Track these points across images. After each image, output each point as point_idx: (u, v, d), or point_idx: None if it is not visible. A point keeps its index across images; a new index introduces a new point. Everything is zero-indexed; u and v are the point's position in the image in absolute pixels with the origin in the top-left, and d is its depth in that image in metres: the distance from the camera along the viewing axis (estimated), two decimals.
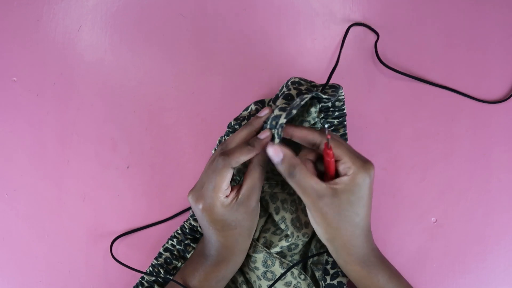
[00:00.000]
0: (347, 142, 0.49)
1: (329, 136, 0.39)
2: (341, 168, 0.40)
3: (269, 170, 0.48)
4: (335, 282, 0.46)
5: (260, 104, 0.49)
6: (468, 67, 0.52)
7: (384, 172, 0.51)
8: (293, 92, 0.44)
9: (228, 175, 0.40)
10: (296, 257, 0.48)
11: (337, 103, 0.47)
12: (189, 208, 0.51)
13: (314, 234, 0.48)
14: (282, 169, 0.40)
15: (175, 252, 0.48)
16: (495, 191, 0.52)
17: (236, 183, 0.47)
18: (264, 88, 0.52)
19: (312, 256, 0.46)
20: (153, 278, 0.48)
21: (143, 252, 0.51)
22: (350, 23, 0.51)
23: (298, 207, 0.46)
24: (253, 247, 0.45)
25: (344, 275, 0.46)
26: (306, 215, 0.45)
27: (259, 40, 0.52)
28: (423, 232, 0.51)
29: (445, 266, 0.52)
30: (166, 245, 0.49)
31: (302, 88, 0.45)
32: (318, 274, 0.47)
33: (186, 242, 0.48)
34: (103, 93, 0.52)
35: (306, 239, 0.46)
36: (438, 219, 0.52)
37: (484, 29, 0.52)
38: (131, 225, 0.52)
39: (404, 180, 0.52)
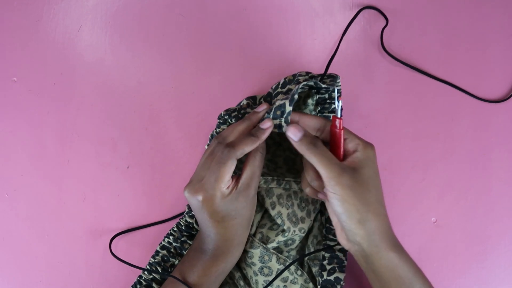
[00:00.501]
0: None
1: (336, 118, 0.40)
2: (350, 146, 0.41)
3: (264, 165, 0.48)
4: (332, 277, 0.46)
5: (252, 99, 0.49)
6: (468, 66, 0.53)
7: (384, 172, 0.52)
8: (293, 86, 0.45)
9: (233, 166, 0.41)
10: (293, 253, 0.49)
11: (333, 94, 0.47)
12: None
13: (311, 229, 0.48)
14: (303, 144, 0.40)
15: (172, 250, 0.49)
16: (495, 191, 0.52)
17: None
18: (264, 88, 0.52)
19: (310, 253, 0.47)
20: (151, 276, 0.48)
21: (143, 252, 0.52)
22: (350, 22, 0.51)
23: (294, 202, 0.46)
24: (249, 242, 0.46)
25: (341, 271, 0.46)
26: (302, 210, 0.46)
27: (259, 40, 0.52)
28: (423, 232, 0.52)
29: (445, 266, 0.52)
30: (163, 242, 0.49)
31: (301, 79, 0.45)
32: (315, 269, 0.47)
33: (182, 239, 0.49)
34: (103, 93, 0.52)
35: (303, 234, 0.47)
36: (438, 219, 0.52)
37: (485, 29, 0.53)
38: (131, 225, 0.52)
39: (404, 180, 0.52)
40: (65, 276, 0.52)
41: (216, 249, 0.43)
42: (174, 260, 0.49)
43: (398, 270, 0.40)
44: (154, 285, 0.49)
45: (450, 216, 0.52)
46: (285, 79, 0.48)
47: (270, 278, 0.47)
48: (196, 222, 0.49)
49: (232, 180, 0.41)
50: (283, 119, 0.42)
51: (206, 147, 0.50)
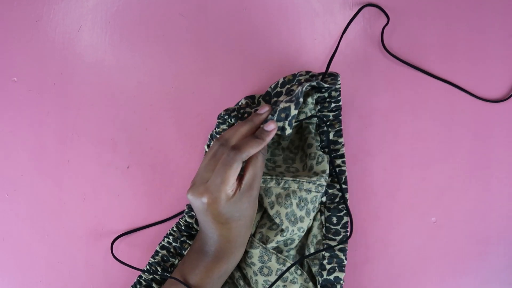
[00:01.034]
0: (342, 138, 0.49)
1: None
2: None
3: None
4: (331, 277, 0.47)
5: (250, 99, 0.50)
6: (469, 66, 0.53)
7: (384, 172, 0.52)
8: (294, 87, 0.45)
9: (238, 168, 0.41)
10: (293, 252, 0.49)
11: (333, 93, 0.48)
12: None
13: (310, 229, 0.49)
14: None
15: (171, 250, 0.49)
16: (495, 191, 0.53)
17: None
18: (264, 88, 0.52)
19: (310, 255, 0.47)
20: (151, 276, 0.48)
21: (143, 252, 0.52)
22: (351, 20, 0.51)
23: (292, 201, 0.46)
24: (249, 242, 0.47)
25: (341, 270, 0.47)
26: (301, 209, 0.46)
27: (259, 40, 0.52)
28: (423, 232, 0.52)
29: (445, 266, 0.52)
30: (163, 242, 0.50)
31: (301, 78, 0.46)
32: (314, 269, 0.48)
33: (182, 239, 0.49)
34: (103, 93, 0.53)
35: (302, 234, 0.47)
36: (438, 219, 0.52)
37: (485, 29, 0.53)
38: (131, 225, 0.52)
39: (404, 180, 0.52)
40: (65, 276, 0.53)
41: (218, 251, 0.44)
42: (174, 260, 0.49)
43: None
44: (154, 285, 0.49)
45: (450, 216, 0.52)
46: (284, 78, 0.48)
47: (270, 278, 0.47)
48: (196, 222, 0.49)
49: (235, 182, 0.42)
50: (287, 122, 0.42)
51: (206, 147, 0.51)
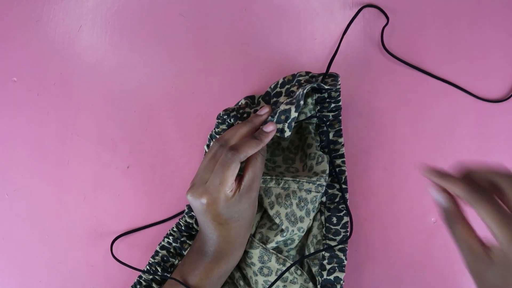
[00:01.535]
0: (342, 138, 0.50)
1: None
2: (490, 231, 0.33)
3: None
4: (331, 277, 0.47)
5: (250, 99, 0.51)
6: (469, 65, 0.53)
7: (384, 172, 0.52)
8: (294, 88, 0.45)
9: (237, 169, 0.42)
10: (293, 252, 0.49)
11: (333, 94, 0.48)
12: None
13: (310, 229, 0.49)
14: (442, 211, 0.37)
15: (171, 250, 0.49)
16: None
17: None
18: (264, 88, 0.53)
19: (310, 255, 0.47)
20: (151, 276, 0.48)
21: (143, 252, 0.52)
22: (351, 21, 0.52)
23: (292, 201, 0.47)
24: (249, 242, 0.47)
25: (341, 270, 0.47)
26: (300, 209, 0.46)
27: (259, 40, 0.53)
28: (423, 232, 0.52)
29: (445, 266, 0.52)
30: (162, 243, 0.50)
31: (301, 79, 0.46)
32: (314, 269, 0.48)
33: (182, 239, 0.49)
34: (103, 93, 0.53)
35: (302, 234, 0.48)
36: (438, 219, 0.52)
37: (485, 29, 0.53)
38: (131, 225, 0.52)
39: (404, 180, 0.52)
40: (65, 276, 0.53)
41: (218, 251, 0.44)
42: (174, 260, 0.50)
43: None
44: (154, 285, 0.50)
45: None
46: (284, 78, 0.48)
47: (270, 278, 0.47)
48: (196, 222, 0.50)
49: (234, 183, 0.42)
50: (286, 124, 0.43)
51: (205, 147, 0.51)
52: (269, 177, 0.48)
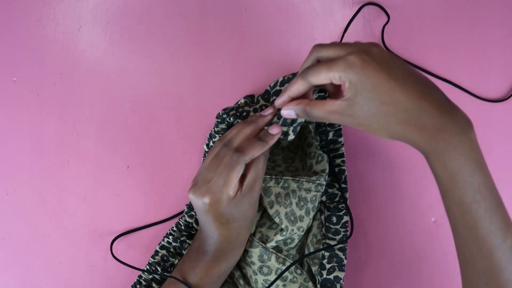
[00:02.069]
0: (342, 137, 0.50)
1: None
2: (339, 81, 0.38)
3: None
4: (331, 276, 0.47)
5: (250, 98, 0.51)
6: (469, 65, 0.54)
7: (384, 172, 0.52)
8: None
9: (241, 171, 0.42)
10: (292, 252, 0.50)
11: None
12: None
13: (310, 228, 0.49)
14: (301, 117, 0.42)
15: (171, 250, 0.50)
16: None
17: None
18: (264, 88, 0.53)
19: (310, 254, 0.47)
20: (151, 276, 0.49)
21: (143, 252, 0.53)
22: (352, 18, 0.52)
23: (292, 200, 0.47)
24: (249, 241, 0.47)
25: (341, 270, 0.48)
26: (300, 208, 0.47)
27: (259, 40, 0.53)
28: (423, 232, 0.52)
29: (445, 266, 0.53)
30: (162, 242, 0.50)
31: None
32: (314, 268, 0.49)
33: (182, 239, 0.50)
34: (103, 93, 0.53)
35: (302, 233, 0.48)
36: (438, 219, 0.53)
37: (485, 28, 0.54)
38: (131, 225, 0.53)
39: (404, 180, 0.53)
40: (65, 276, 0.53)
41: (218, 250, 0.44)
42: (173, 259, 0.50)
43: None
44: (154, 285, 0.50)
45: None
46: (284, 77, 0.48)
47: (270, 277, 0.47)
48: (195, 221, 0.50)
49: (237, 184, 0.42)
50: (291, 128, 0.43)
51: (205, 147, 0.51)
52: (268, 176, 0.48)
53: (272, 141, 0.43)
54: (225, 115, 0.49)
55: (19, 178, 0.54)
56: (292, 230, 0.47)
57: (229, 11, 0.54)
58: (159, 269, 0.50)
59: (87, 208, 0.54)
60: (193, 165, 0.54)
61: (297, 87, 0.41)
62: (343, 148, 0.50)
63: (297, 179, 0.48)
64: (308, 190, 0.48)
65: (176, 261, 0.51)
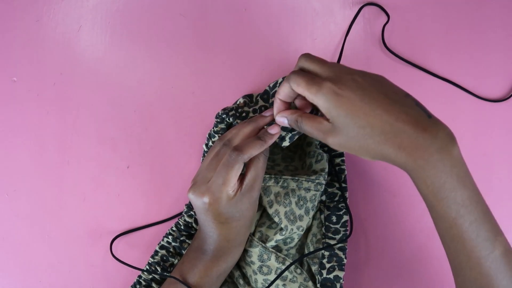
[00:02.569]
0: None
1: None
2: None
3: None
4: (331, 276, 0.48)
5: (248, 98, 0.52)
6: (469, 65, 0.54)
7: (384, 172, 0.53)
8: None
9: (240, 169, 0.43)
10: (292, 251, 0.50)
11: None
12: None
13: (309, 227, 0.50)
14: (293, 127, 0.43)
15: (171, 249, 0.50)
16: (495, 191, 0.54)
17: None
18: (263, 89, 0.53)
19: (310, 253, 0.48)
20: (151, 276, 0.49)
21: (143, 252, 0.53)
22: (350, 23, 0.52)
23: (291, 200, 0.47)
24: (249, 241, 0.48)
25: (340, 269, 0.48)
26: (300, 208, 0.47)
27: (259, 40, 0.53)
28: (423, 232, 0.53)
29: (445, 266, 0.53)
30: (162, 242, 0.51)
31: None
32: (314, 268, 0.49)
33: (181, 238, 0.50)
34: (103, 93, 0.54)
35: (301, 233, 0.48)
36: None
37: (485, 28, 0.54)
38: (131, 225, 0.53)
39: (404, 180, 0.53)
40: (65, 276, 0.54)
41: (217, 250, 0.45)
42: (173, 259, 0.50)
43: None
44: (153, 285, 0.50)
45: None
46: (283, 78, 0.49)
47: (270, 277, 0.48)
48: (195, 221, 0.50)
49: (237, 183, 0.43)
50: (289, 134, 0.43)
51: (204, 147, 0.51)
52: (268, 175, 0.48)
53: (270, 141, 0.44)
54: (225, 115, 0.49)
55: (19, 178, 0.55)
56: (292, 229, 0.48)
57: (229, 11, 0.54)
58: (158, 269, 0.50)
59: (87, 208, 0.54)
60: (193, 165, 0.54)
61: (283, 89, 0.42)
62: None
63: (297, 178, 0.48)
64: (308, 189, 0.48)
65: (176, 261, 0.51)
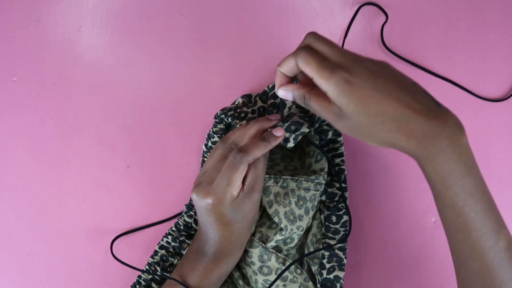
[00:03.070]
0: (341, 136, 0.51)
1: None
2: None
3: None
4: (331, 276, 0.48)
5: (247, 98, 0.52)
6: (469, 64, 0.55)
7: (384, 172, 0.53)
8: None
9: (244, 171, 0.43)
10: (292, 251, 0.50)
11: None
12: None
13: (309, 228, 0.50)
14: (297, 102, 0.42)
15: (170, 249, 0.50)
16: (495, 191, 0.53)
17: None
18: (263, 89, 0.53)
19: (310, 253, 0.48)
20: (151, 276, 0.49)
21: (143, 252, 0.54)
22: (349, 23, 0.53)
23: (291, 200, 0.48)
24: (249, 242, 0.48)
25: (340, 269, 0.48)
26: (299, 208, 0.47)
27: (259, 40, 0.54)
28: (423, 232, 0.53)
29: (445, 266, 0.53)
30: (161, 242, 0.51)
31: None
32: (314, 268, 0.49)
33: (181, 239, 0.50)
34: (103, 93, 0.54)
35: (301, 233, 0.49)
36: (438, 219, 0.53)
37: (485, 28, 0.54)
38: (131, 225, 0.53)
39: (404, 180, 0.53)
40: (65, 276, 0.54)
41: (218, 251, 0.45)
42: (173, 259, 0.51)
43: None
44: (153, 285, 0.50)
45: None
46: None
47: (270, 277, 0.48)
48: (195, 221, 0.50)
49: (240, 184, 0.43)
50: (293, 135, 0.43)
51: (203, 147, 0.52)
52: (267, 175, 0.49)
53: (275, 142, 0.44)
54: (223, 116, 0.49)
55: (19, 178, 0.55)
56: (292, 229, 0.48)
57: (229, 11, 0.55)
58: (158, 269, 0.50)
59: (87, 208, 0.54)
60: (193, 165, 0.54)
61: (287, 63, 0.41)
62: (342, 148, 0.51)
63: (296, 178, 0.48)
64: (307, 189, 0.48)
65: (176, 261, 0.51)
